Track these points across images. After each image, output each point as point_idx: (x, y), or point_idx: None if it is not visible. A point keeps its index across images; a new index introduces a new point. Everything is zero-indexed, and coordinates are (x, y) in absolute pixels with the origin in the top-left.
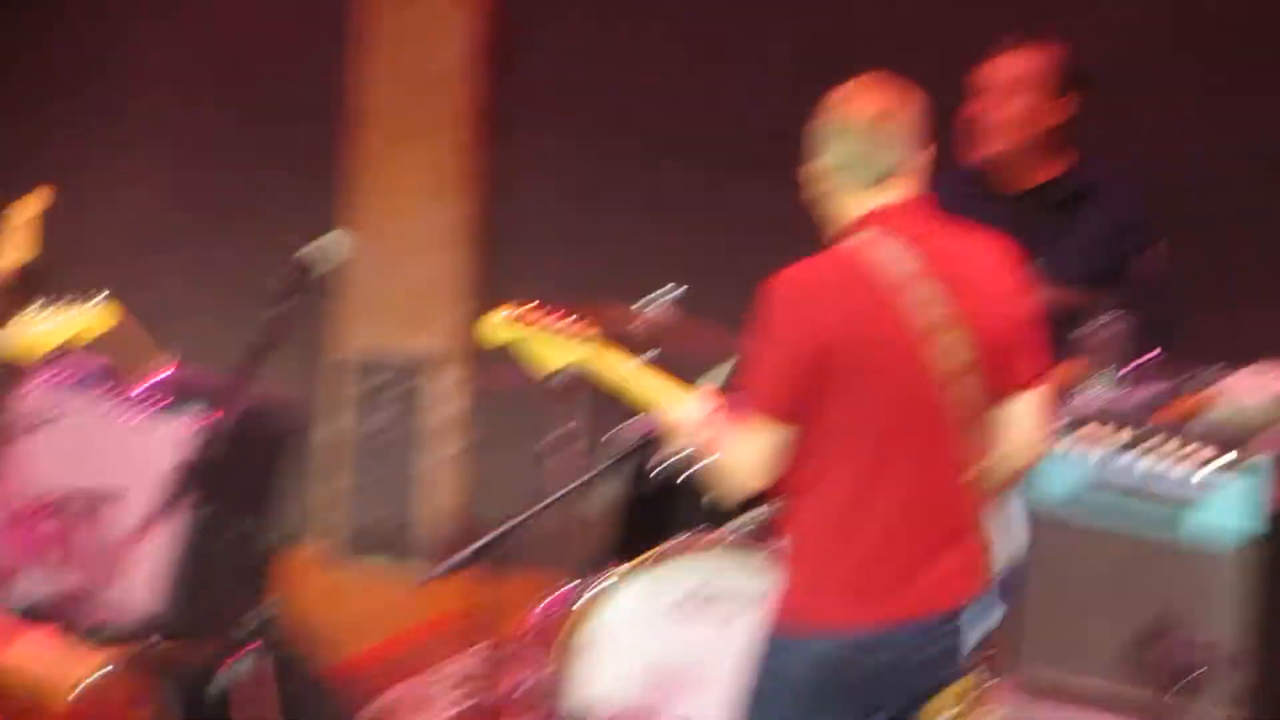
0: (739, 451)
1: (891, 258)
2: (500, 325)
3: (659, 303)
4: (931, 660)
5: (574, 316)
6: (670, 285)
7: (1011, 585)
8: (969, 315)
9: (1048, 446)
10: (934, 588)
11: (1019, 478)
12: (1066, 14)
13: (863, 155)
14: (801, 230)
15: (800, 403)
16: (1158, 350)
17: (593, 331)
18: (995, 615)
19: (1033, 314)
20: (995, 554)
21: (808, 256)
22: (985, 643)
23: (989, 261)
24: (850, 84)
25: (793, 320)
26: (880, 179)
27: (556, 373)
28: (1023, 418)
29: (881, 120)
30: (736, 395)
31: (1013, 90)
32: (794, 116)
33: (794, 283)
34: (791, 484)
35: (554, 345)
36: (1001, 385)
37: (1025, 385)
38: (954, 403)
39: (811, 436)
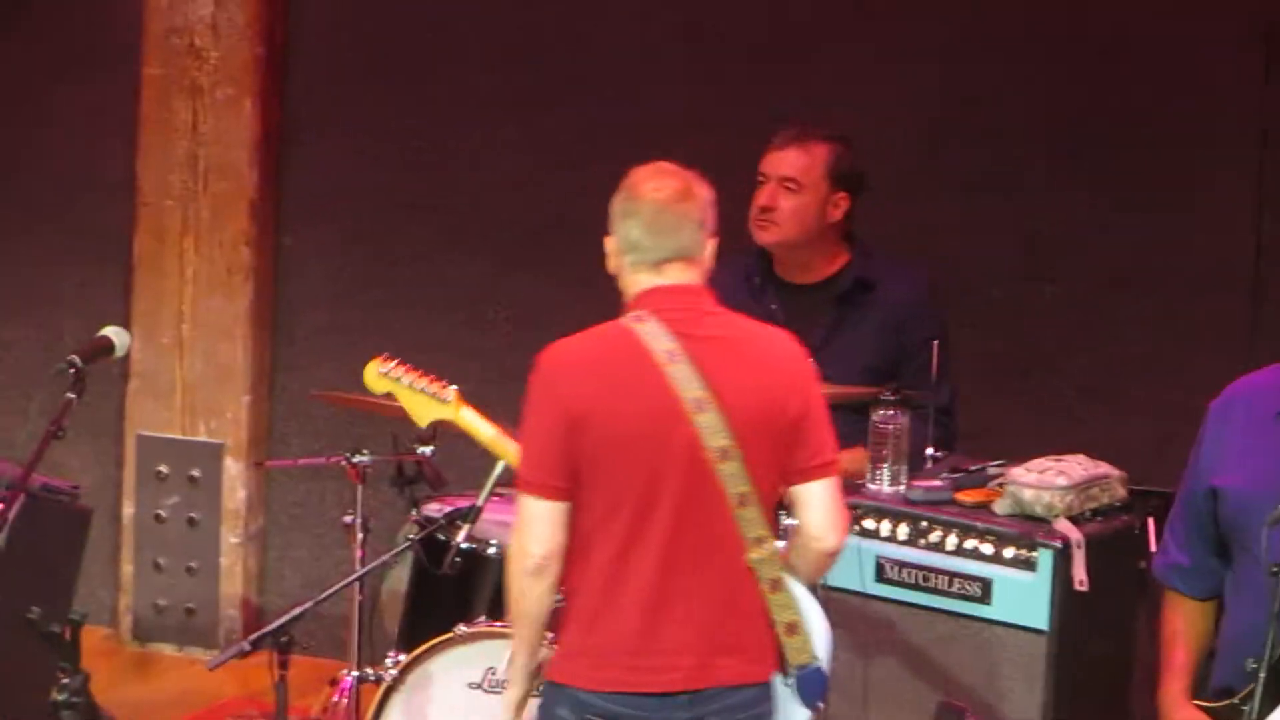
0: (520, 530)
1: (654, 337)
2: (374, 375)
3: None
4: None
5: (434, 376)
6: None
7: (818, 687)
8: (728, 402)
9: (842, 537)
10: (698, 665)
11: (822, 568)
12: (842, 106)
13: (646, 237)
14: (581, 321)
15: (567, 475)
16: (938, 444)
17: (452, 391)
18: (800, 715)
19: (815, 405)
20: (809, 642)
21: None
22: None
23: (763, 352)
24: (644, 167)
25: (551, 392)
26: (661, 262)
27: (431, 425)
28: (811, 507)
29: (668, 205)
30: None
31: (793, 183)
32: (573, 207)
33: (555, 356)
34: (570, 540)
35: (419, 400)
36: (779, 473)
37: (808, 475)
38: (716, 484)
39: (577, 505)
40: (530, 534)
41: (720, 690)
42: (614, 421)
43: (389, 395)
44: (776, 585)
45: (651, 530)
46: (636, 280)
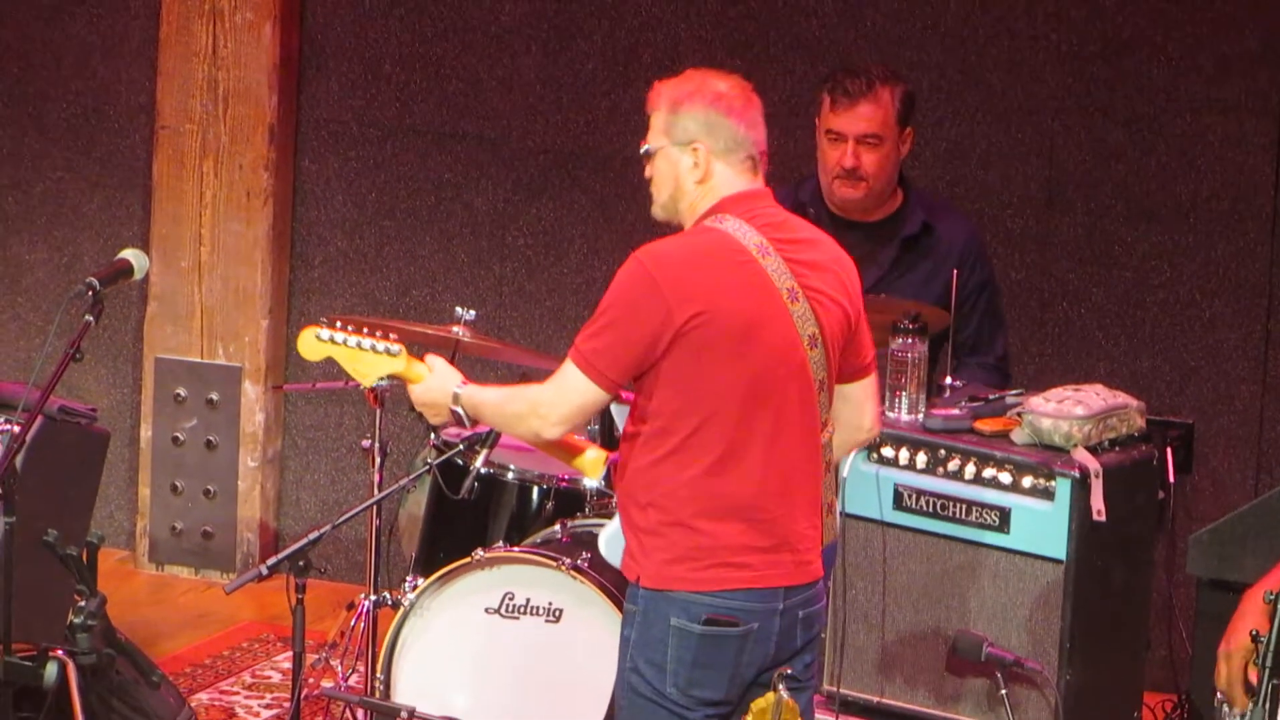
0: (558, 401)
1: (743, 234)
2: (312, 342)
3: (456, 323)
4: (792, 627)
5: (380, 331)
6: (465, 308)
7: (830, 563)
8: (811, 294)
9: (877, 431)
10: (796, 556)
11: (850, 454)
12: (864, 35)
13: (744, 130)
14: (602, 247)
15: (633, 375)
16: (965, 375)
17: (399, 345)
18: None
19: (863, 308)
20: (836, 521)
21: (665, 240)
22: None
23: (829, 255)
24: (692, 74)
25: (655, 295)
26: (760, 155)
27: (377, 383)
28: (865, 402)
29: (752, 99)
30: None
31: (875, 138)
32: (596, 135)
33: (661, 258)
34: (651, 452)
35: (365, 359)
36: (841, 367)
37: (864, 373)
38: (809, 371)
39: (675, 404)
40: (564, 411)
41: (806, 585)
42: (727, 319)
43: (327, 360)
44: (829, 467)
45: (762, 420)
46: (727, 182)
